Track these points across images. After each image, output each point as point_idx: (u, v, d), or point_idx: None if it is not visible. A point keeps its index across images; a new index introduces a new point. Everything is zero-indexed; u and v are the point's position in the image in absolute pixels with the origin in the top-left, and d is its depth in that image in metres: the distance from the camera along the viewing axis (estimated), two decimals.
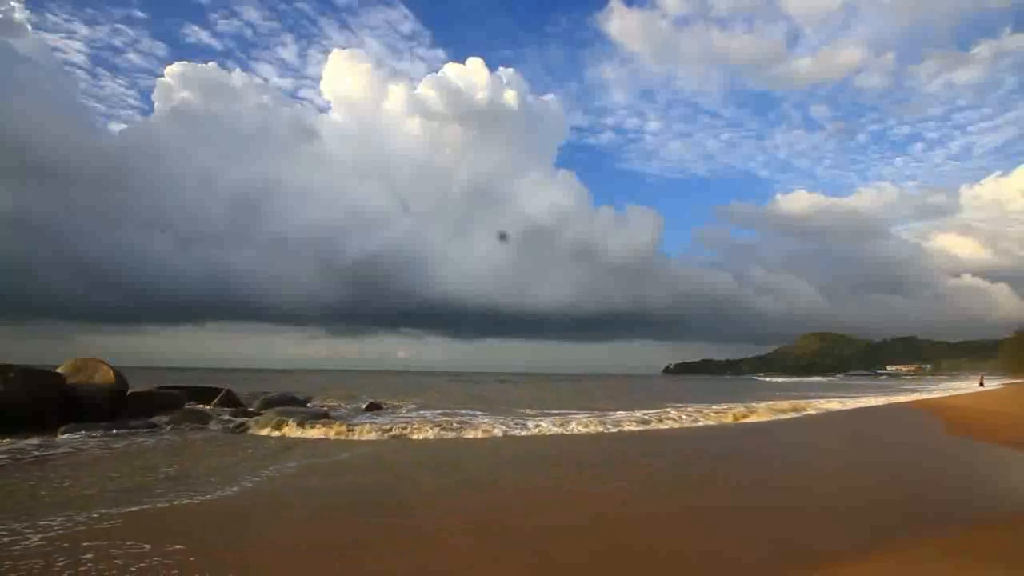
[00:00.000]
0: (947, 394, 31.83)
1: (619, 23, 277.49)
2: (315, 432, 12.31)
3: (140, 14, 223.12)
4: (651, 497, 6.57)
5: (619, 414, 16.58)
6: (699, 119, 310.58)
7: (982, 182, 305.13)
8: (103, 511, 5.53)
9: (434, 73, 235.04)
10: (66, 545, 4.51)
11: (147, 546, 4.46)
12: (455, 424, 13.87)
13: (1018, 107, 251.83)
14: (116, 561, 4.14)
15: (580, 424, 14.02)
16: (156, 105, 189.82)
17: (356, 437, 12.07)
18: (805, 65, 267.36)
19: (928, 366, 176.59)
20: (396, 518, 5.50)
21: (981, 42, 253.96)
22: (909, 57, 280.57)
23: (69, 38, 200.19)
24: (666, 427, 14.65)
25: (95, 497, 6.22)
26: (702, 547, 4.60)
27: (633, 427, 14.12)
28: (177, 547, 4.44)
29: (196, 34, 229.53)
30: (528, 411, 18.71)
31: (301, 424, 12.87)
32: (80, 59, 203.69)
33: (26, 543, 4.56)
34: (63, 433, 11.49)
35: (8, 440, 10.50)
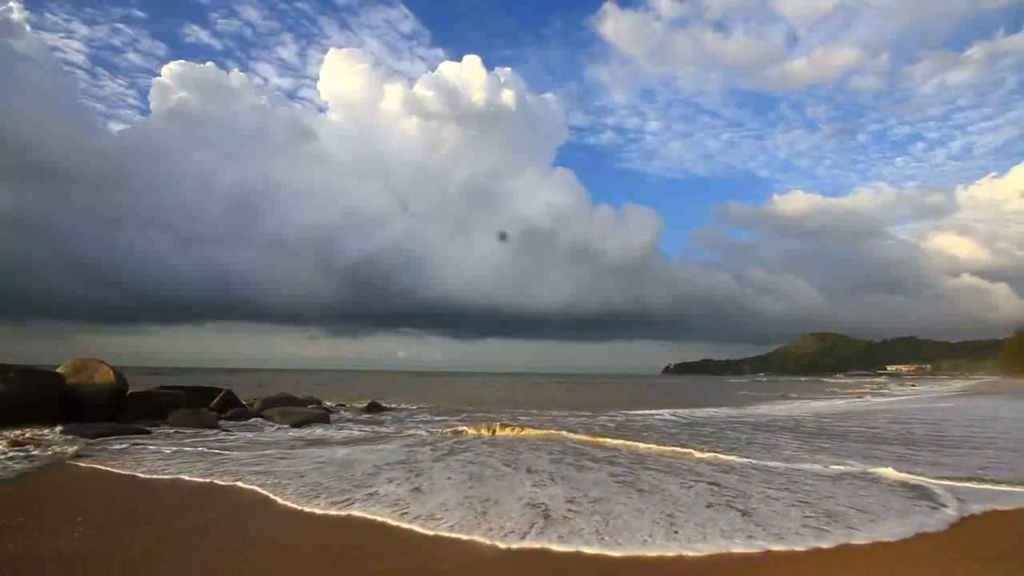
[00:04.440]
0: None
1: (613, 25, 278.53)
2: None
3: (139, 13, 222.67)
4: None
5: None
6: (699, 119, 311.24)
7: (978, 182, 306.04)
8: None
9: (431, 72, 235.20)
10: None
11: None
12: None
13: (1018, 107, 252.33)
14: None
15: None
16: (153, 105, 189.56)
17: None
18: (801, 66, 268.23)
19: (928, 366, 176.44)
20: None
21: (975, 43, 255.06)
22: (904, 58, 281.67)
23: (68, 38, 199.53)
24: None
25: None
26: None
27: None
28: None
29: (196, 33, 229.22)
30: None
31: None
32: (79, 59, 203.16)
33: None
34: None
35: None
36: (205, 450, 9.37)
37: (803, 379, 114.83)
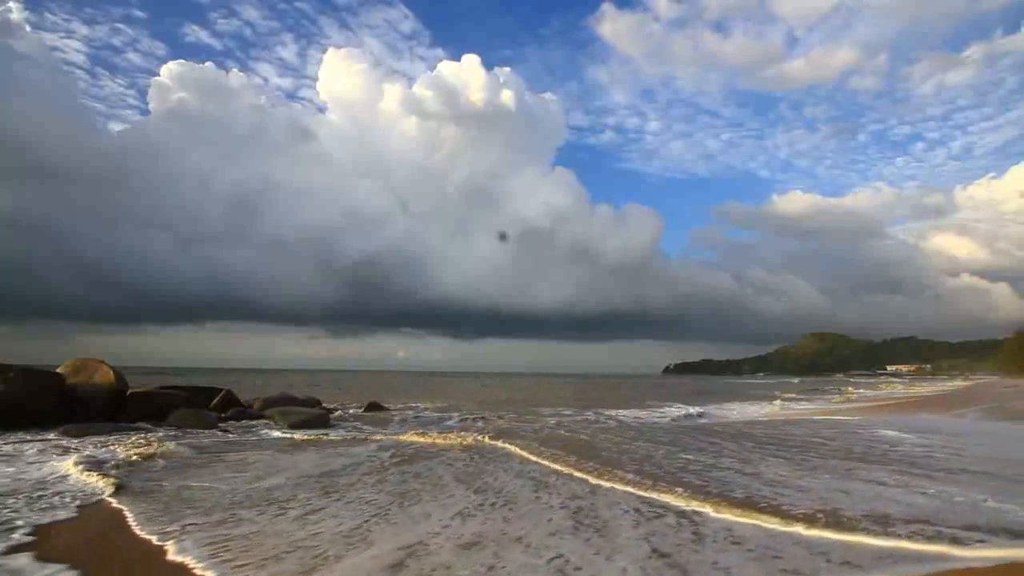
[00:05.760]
0: None
1: (612, 26, 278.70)
2: None
3: (139, 13, 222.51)
4: None
5: None
6: (699, 119, 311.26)
7: (976, 183, 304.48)
8: None
9: (430, 72, 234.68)
10: None
11: None
12: None
13: (1018, 107, 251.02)
14: None
15: None
16: (152, 105, 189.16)
17: None
18: (800, 66, 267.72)
19: (928, 366, 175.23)
20: None
21: (973, 44, 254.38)
22: (902, 59, 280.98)
23: (68, 37, 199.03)
24: None
25: None
26: None
27: None
28: None
29: (195, 33, 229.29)
30: None
31: None
32: (79, 59, 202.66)
33: None
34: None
35: None
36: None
37: (827, 378, 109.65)
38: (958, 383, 61.59)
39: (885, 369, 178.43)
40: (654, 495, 5.53)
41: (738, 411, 21.81)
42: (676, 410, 21.31)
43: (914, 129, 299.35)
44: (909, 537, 3.68)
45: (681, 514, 4.85)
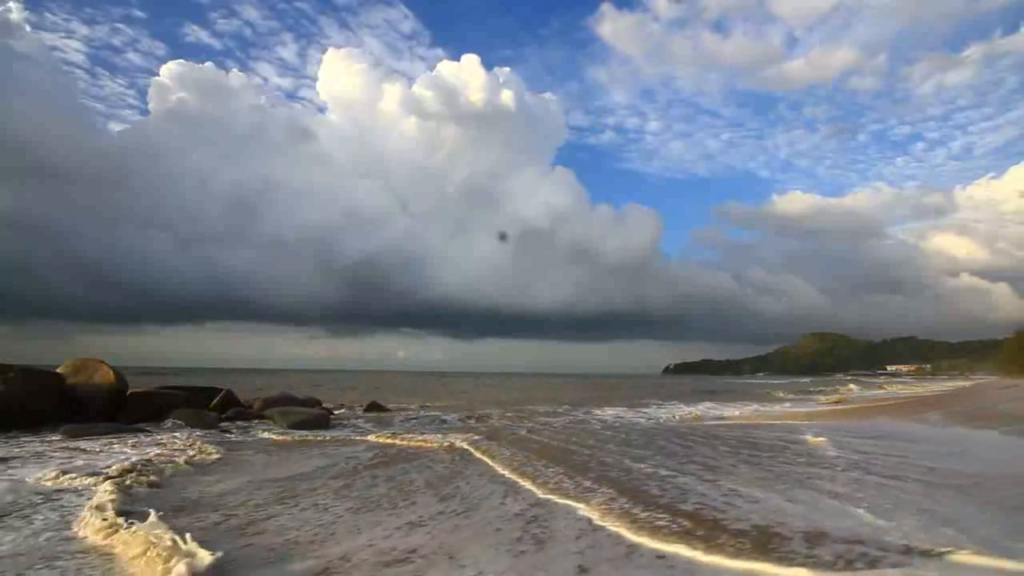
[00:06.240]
0: None
1: (611, 26, 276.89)
2: None
3: (139, 13, 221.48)
4: None
5: None
6: (699, 119, 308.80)
7: (976, 183, 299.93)
8: None
9: (430, 72, 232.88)
10: None
11: None
12: None
13: (1018, 107, 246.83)
14: None
15: None
16: (152, 105, 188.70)
17: None
18: (799, 67, 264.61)
19: (928, 366, 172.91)
20: None
21: (972, 44, 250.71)
22: (902, 59, 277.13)
23: (68, 37, 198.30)
24: None
25: None
26: None
27: None
28: None
29: (195, 33, 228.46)
30: None
31: None
32: (79, 59, 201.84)
33: None
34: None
35: None
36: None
37: (828, 378, 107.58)
38: (957, 383, 60.57)
39: (885, 369, 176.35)
40: (600, 508, 5.39)
41: (727, 412, 21.60)
42: (662, 410, 21.21)
43: (914, 129, 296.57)
44: (832, 562, 3.51)
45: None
